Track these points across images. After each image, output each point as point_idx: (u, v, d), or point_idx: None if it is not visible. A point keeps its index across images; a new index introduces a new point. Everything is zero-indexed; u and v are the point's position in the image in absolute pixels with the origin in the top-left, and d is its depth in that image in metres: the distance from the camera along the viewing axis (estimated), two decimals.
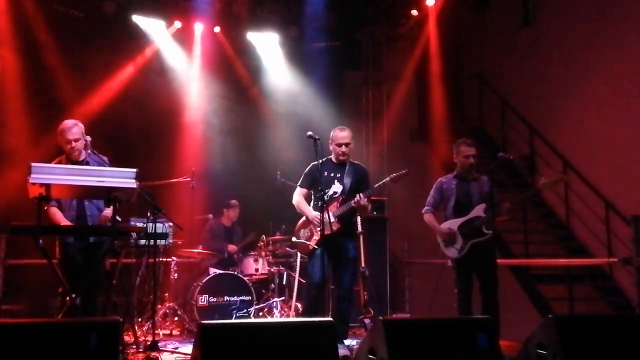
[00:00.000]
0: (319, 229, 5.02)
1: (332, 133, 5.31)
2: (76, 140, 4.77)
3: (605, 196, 7.63)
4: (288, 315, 6.84)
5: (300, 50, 9.54)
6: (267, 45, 9.39)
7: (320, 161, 5.11)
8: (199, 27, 9.01)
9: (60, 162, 4.79)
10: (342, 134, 5.26)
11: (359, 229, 7.06)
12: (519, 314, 7.36)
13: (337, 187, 5.20)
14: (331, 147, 5.31)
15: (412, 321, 4.00)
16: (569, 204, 8.27)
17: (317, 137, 4.82)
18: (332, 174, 5.25)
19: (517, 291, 7.70)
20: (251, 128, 8.97)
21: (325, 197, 5.01)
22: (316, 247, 5.11)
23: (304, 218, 5.32)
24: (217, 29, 9.10)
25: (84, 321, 3.46)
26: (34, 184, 3.92)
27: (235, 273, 6.89)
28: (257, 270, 7.10)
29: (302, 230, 5.31)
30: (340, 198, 5.16)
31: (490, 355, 3.40)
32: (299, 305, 6.95)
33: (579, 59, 8.36)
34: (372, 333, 3.55)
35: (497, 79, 10.16)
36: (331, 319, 4.05)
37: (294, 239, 5.39)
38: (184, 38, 8.97)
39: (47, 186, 3.96)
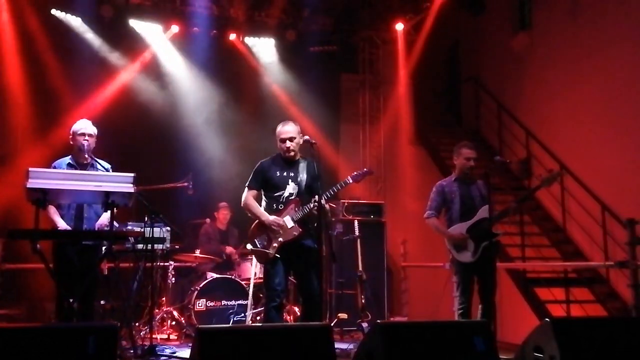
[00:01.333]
0: (277, 234, 4.66)
1: (276, 128, 4.87)
2: (90, 136, 4.83)
3: (601, 199, 7.66)
4: (285, 320, 6.83)
5: (298, 54, 9.56)
6: (264, 49, 9.40)
7: (270, 159, 4.88)
8: (196, 31, 9.02)
9: (69, 164, 4.83)
10: (285, 128, 4.79)
11: (356, 232, 7.09)
12: (515, 317, 7.38)
13: (292, 188, 4.75)
14: (278, 144, 4.87)
15: (409, 325, 4.01)
16: (565, 207, 8.30)
17: (313, 142, 4.62)
18: (285, 173, 4.78)
19: (513, 294, 7.71)
20: (248, 131, 8.97)
21: (282, 199, 4.73)
22: (277, 255, 4.65)
23: (256, 222, 4.79)
24: (214, 33, 9.11)
25: (82, 326, 3.46)
26: (31, 188, 3.93)
27: (233, 277, 6.89)
28: (254, 274, 7.09)
29: (257, 237, 4.74)
30: (297, 199, 4.74)
31: (487, 359, 3.41)
32: (297, 309, 6.96)
33: (575, 63, 8.39)
34: (369, 336, 3.56)
35: (494, 82, 10.19)
36: (328, 323, 4.01)
37: (248, 246, 4.83)
38: (181, 42, 8.98)
39: (44, 191, 3.97)
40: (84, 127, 4.86)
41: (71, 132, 4.90)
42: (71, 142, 4.90)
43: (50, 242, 4.73)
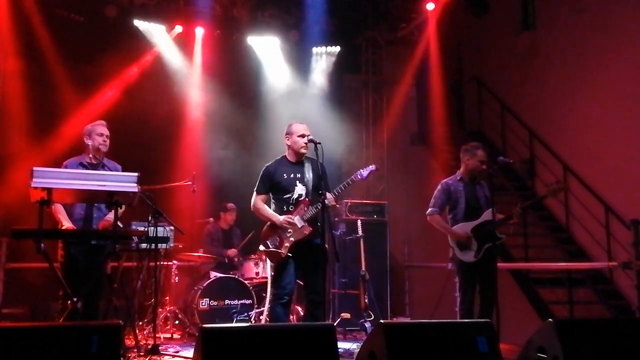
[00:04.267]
0: (288, 234, 4.76)
1: (289, 128, 4.97)
2: (108, 137, 4.92)
3: (605, 200, 7.65)
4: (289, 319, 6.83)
5: (301, 54, 9.57)
6: (267, 49, 9.41)
7: (274, 162, 4.96)
8: (199, 31, 9.03)
9: (80, 163, 4.85)
10: (302, 126, 4.93)
11: (360, 232, 7.10)
12: (519, 318, 7.36)
13: (301, 189, 4.86)
14: (289, 142, 4.94)
15: (412, 325, 4.00)
16: (569, 208, 8.29)
17: (317, 142, 4.65)
18: (292, 175, 4.88)
19: (517, 294, 7.71)
20: (251, 132, 8.98)
21: (292, 201, 4.82)
22: (290, 254, 4.75)
23: (268, 224, 4.91)
24: (217, 33, 9.11)
25: (85, 325, 3.46)
26: (36, 188, 3.94)
27: (236, 277, 6.90)
28: (257, 273, 7.10)
29: (270, 238, 4.85)
30: (307, 199, 4.84)
31: (490, 359, 3.41)
32: (300, 309, 6.96)
33: (579, 63, 8.38)
34: (372, 336, 3.56)
35: (497, 82, 10.19)
36: (331, 323, 4.02)
37: (261, 247, 4.90)
38: (185, 42, 8.99)
39: (49, 190, 3.98)
40: (103, 128, 4.94)
41: (88, 131, 4.92)
42: (86, 142, 4.90)
43: (57, 241, 4.74)
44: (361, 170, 4.95)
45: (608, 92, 7.85)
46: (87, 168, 4.80)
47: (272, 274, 6.02)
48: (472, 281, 5.20)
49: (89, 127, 4.95)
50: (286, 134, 4.99)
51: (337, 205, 5.00)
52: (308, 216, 4.79)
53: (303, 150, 4.89)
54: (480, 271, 5.18)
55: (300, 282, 5.04)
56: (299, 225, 4.77)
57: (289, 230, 4.77)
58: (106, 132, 4.93)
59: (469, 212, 5.27)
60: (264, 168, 4.99)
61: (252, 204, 4.96)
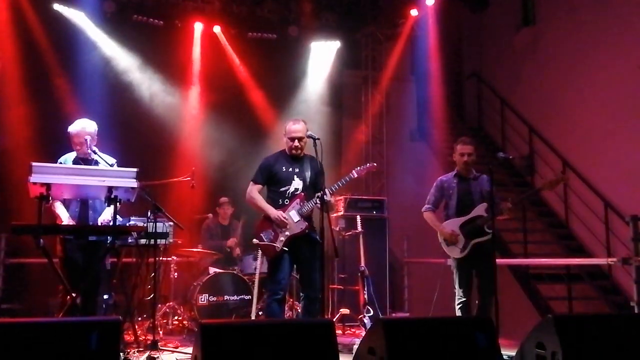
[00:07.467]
0: (284, 228, 4.74)
1: (285, 126, 4.96)
2: (87, 134, 4.78)
3: (604, 196, 7.65)
4: (287, 315, 6.83)
5: (300, 50, 9.55)
6: (266, 44, 9.39)
7: (274, 155, 4.96)
8: (198, 27, 9.01)
9: (73, 160, 4.82)
10: (295, 127, 4.86)
11: (359, 228, 7.10)
12: (517, 313, 7.38)
13: (297, 183, 4.85)
14: (284, 140, 4.96)
15: (411, 320, 4.01)
16: (568, 204, 8.29)
17: (316, 137, 4.61)
18: (291, 169, 4.87)
19: (516, 290, 7.72)
20: (251, 127, 8.98)
21: (288, 194, 4.82)
22: (285, 249, 4.72)
23: (262, 217, 4.87)
24: (217, 29, 9.11)
25: (85, 320, 3.46)
26: (34, 183, 3.93)
27: (235, 272, 6.90)
28: (255, 268, 7.09)
29: (263, 231, 4.81)
30: (302, 194, 4.83)
31: (489, 355, 3.41)
32: (299, 305, 6.97)
33: (578, 59, 8.37)
34: (371, 332, 3.56)
35: (497, 78, 10.18)
36: (330, 318, 4.01)
37: (254, 240, 4.84)
38: (183, 38, 8.97)
39: (48, 186, 3.97)
40: (79, 129, 4.81)
41: (69, 133, 4.86)
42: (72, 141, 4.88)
43: (57, 238, 4.73)
44: (358, 167, 4.96)
45: (608, 87, 7.84)
46: (80, 164, 4.77)
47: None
48: (467, 277, 5.24)
49: (69, 129, 4.85)
50: (284, 132, 4.98)
51: (333, 202, 4.95)
52: (304, 211, 4.78)
53: (294, 152, 4.88)
54: (476, 267, 5.21)
55: (296, 276, 5.02)
56: (295, 220, 4.76)
57: (285, 224, 4.74)
58: (88, 130, 4.79)
59: (460, 208, 5.32)
60: (263, 159, 4.99)
61: (247, 193, 4.91)
